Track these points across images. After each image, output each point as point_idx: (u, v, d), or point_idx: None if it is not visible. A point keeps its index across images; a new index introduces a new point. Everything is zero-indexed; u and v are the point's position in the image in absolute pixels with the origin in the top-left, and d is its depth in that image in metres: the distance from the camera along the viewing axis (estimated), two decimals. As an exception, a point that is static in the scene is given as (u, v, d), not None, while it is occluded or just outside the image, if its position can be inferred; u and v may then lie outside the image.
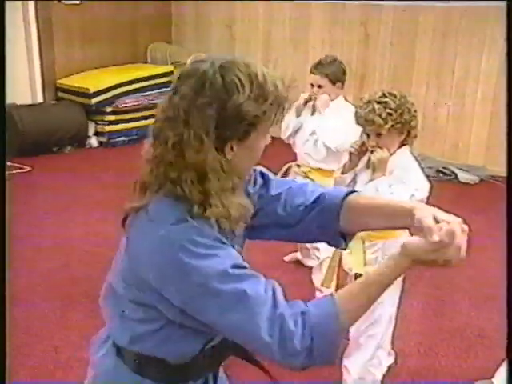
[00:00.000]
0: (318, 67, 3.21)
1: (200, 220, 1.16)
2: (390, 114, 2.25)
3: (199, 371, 1.35)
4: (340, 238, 1.38)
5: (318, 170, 3.34)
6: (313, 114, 3.33)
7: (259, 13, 7.11)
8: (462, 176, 5.83)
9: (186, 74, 1.19)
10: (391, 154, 2.35)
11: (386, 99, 2.27)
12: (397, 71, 6.40)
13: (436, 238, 1.10)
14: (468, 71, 6.00)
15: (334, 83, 3.22)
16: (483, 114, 5.99)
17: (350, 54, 6.43)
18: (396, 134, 2.33)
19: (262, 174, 1.42)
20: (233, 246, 1.21)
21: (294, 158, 3.52)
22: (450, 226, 1.13)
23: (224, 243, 1.17)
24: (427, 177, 2.40)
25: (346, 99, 3.33)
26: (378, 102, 2.27)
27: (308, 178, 3.35)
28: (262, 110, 1.16)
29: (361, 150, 2.43)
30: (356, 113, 2.39)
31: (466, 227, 1.17)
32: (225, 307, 1.12)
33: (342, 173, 2.53)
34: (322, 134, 3.26)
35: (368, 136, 2.35)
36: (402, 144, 2.39)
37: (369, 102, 2.30)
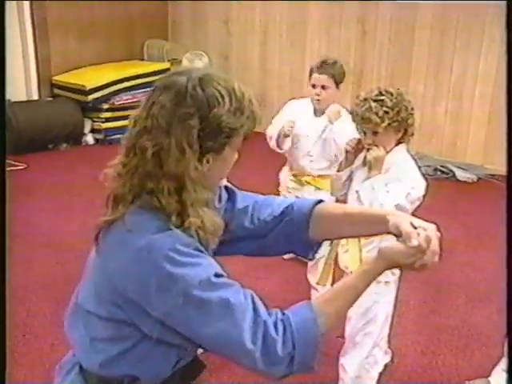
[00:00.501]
0: (323, 67, 3.09)
1: (179, 230, 1.16)
2: (386, 113, 2.24)
3: None
4: (308, 248, 1.41)
5: (321, 176, 3.21)
6: (316, 115, 3.21)
7: (256, 10, 7.09)
8: (460, 174, 5.83)
9: (164, 86, 1.19)
10: (387, 152, 2.34)
11: (383, 97, 2.26)
12: (394, 69, 6.39)
13: (415, 242, 1.15)
14: (466, 69, 6.00)
15: (337, 84, 3.12)
16: (481, 112, 5.98)
17: (347, 52, 6.42)
18: (393, 132, 2.31)
19: (227, 189, 1.43)
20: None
21: (284, 159, 3.42)
22: (427, 232, 1.18)
23: (203, 252, 1.18)
24: (423, 175, 2.39)
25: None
26: (375, 100, 2.26)
27: (311, 185, 3.24)
28: (239, 123, 1.19)
29: (357, 148, 2.42)
30: (352, 111, 2.37)
31: (438, 234, 1.21)
32: (208, 315, 1.12)
33: (338, 171, 2.52)
34: (331, 144, 3.14)
35: (364, 134, 2.34)
36: (399, 142, 2.37)
37: (365, 99, 2.28)
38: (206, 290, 1.11)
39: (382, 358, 2.67)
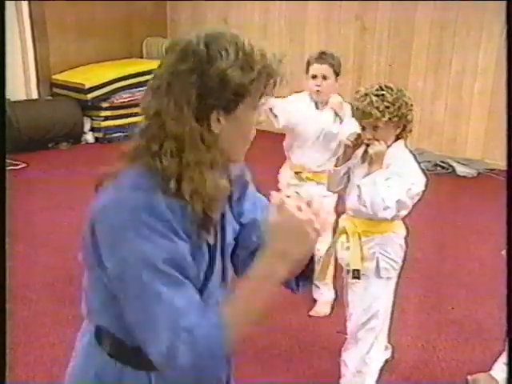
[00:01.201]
0: (323, 57, 3.06)
1: (173, 199, 1.11)
2: (387, 107, 2.25)
3: None
4: (291, 280, 1.31)
5: (323, 171, 3.11)
6: (317, 108, 3.16)
7: (255, 7, 7.08)
8: (460, 169, 5.83)
9: (172, 45, 1.16)
10: (388, 147, 2.34)
11: (384, 92, 2.27)
12: (394, 65, 6.38)
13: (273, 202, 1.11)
14: (465, 64, 5.99)
15: (337, 75, 3.08)
16: (481, 107, 5.98)
17: (346, 48, 6.41)
18: (392, 128, 2.32)
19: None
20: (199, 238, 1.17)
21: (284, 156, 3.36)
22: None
23: (176, 234, 1.11)
24: (423, 171, 2.39)
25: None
26: (376, 95, 2.26)
27: (312, 180, 3.19)
28: (248, 78, 1.11)
29: (356, 143, 2.42)
30: (352, 105, 2.37)
31: (316, 207, 1.13)
32: (135, 296, 1.09)
33: (336, 166, 2.52)
34: (334, 138, 3.10)
35: (363, 129, 2.34)
36: (397, 138, 2.38)
37: (366, 94, 2.29)
38: (144, 272, 1.07)
39: (383, 353, 2.68)
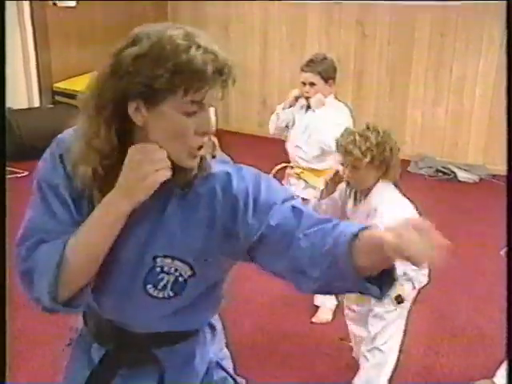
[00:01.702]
0: (309, 65, 3.20)
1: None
2: (369, 149, 2.23)
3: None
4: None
5: (311, 170, 3.31)
6: (306, 111, 3.31)
7: (255, 13, 7.10)
8: (462, 175, 5.83)
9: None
10: (369, 189, 2.33)
11: (368, 133, 2.25)
12: (394, 71, 6.40)
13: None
14: (466, 70, 6.00)
15: (326, 81, 3.21)
16: (482, 112, 5.99)
17: (347, 54, 6.43)
18: (373, 170, 2.29)
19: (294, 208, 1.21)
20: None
21: (288, 159, 3.49)
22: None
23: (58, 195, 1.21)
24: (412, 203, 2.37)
25: (336, 97, 3.31)
26: (360, 135, 2.25)
27: (301, 178, 3.34)
28: (154, 72, 1.07)
29: (336, 180, 2.44)
30: (337, 140, 2.36)
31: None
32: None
33: (320, 199, 2.54)
34: (315, 131, 3.23)
35: (344, 166, 2.34)
36: (379, 179, 2.33)
37: (352, 132, 2.28)
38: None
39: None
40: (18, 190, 5.08)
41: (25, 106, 6.57)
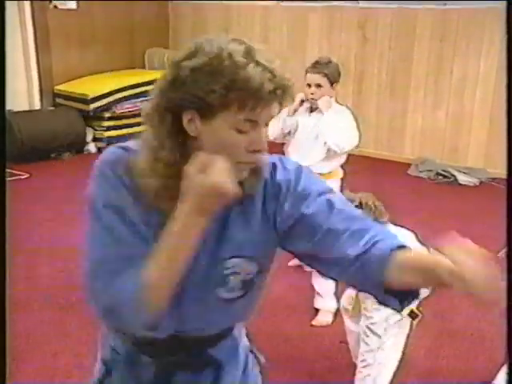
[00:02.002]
0: (316, 66, 3.18)
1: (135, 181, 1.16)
2: None
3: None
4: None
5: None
6: (310, 114, 3.29)
7: (256, 17, 7.12)
8: (462, 178, 5.83)
9: None
10: None
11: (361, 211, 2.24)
12: (395, 74, 6.41)
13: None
14: (466, 73, 6.01)
15: (331, 84, 3.20)
16: (482, 115, 5.99)
17: (348, 58, 6.44)
18: None
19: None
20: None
21: None
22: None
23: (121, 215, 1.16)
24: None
25: (336, 100, 3.32)
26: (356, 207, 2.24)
27: None
28: (209, 86, 1.06)
29: None
30: None
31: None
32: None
33: None
34: (322, 133, 3.21)
35: None
36: None
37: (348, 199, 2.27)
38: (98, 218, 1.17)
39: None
40: (20, 192, 5.07)
41: (26, 108, 6.59)
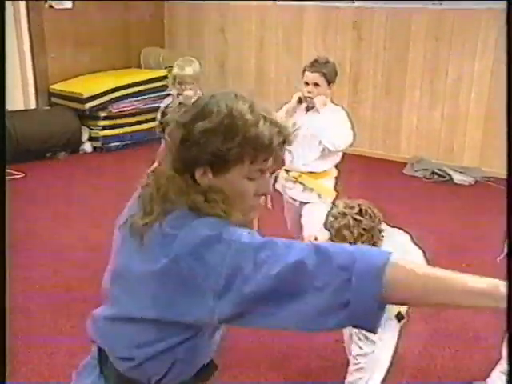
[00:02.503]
0: (314, 65, 3.18)
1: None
2: (361, 235, 2.22)
3: None
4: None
5: (308, 173, 3.27)
6: (307, 112, 3.28)
7: (252, 17, 7.12)
8: (457, 177, 5.84)
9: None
10: None
11: (362, 218, 2.23)
12: (390, 74, 6.42)
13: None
14: (461, 73, 6.02)
15: (328, 83, 3.20)
16: (477, 115, 6.01)
17: (343, 58, 6.44)
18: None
19: None
20: None
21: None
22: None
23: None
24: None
25: (332, 101, 3.31)
26: (354, 219, 2.22)
27: (298, 182, 3.29)
28: (225, 146, 1.15)
29: None
30: (328, 221, 2.29)
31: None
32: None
33: None
34: (318, 132, 3.20)
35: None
36: None
37: (345, 214, 2.23)
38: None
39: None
40: (15, 191, 5.06)
41: (21, 107, 6.57)
